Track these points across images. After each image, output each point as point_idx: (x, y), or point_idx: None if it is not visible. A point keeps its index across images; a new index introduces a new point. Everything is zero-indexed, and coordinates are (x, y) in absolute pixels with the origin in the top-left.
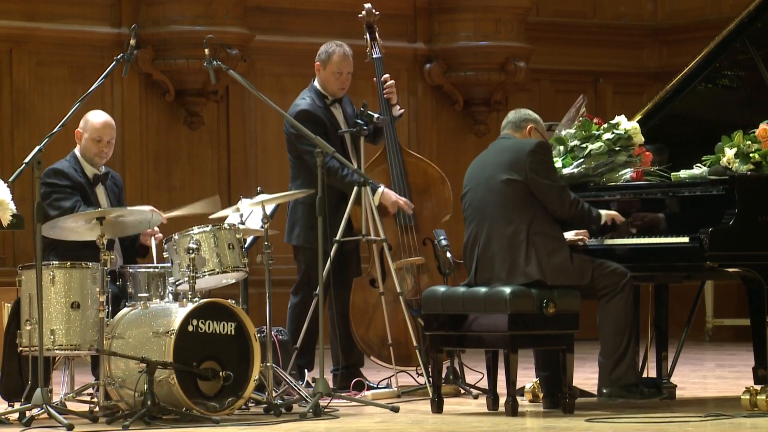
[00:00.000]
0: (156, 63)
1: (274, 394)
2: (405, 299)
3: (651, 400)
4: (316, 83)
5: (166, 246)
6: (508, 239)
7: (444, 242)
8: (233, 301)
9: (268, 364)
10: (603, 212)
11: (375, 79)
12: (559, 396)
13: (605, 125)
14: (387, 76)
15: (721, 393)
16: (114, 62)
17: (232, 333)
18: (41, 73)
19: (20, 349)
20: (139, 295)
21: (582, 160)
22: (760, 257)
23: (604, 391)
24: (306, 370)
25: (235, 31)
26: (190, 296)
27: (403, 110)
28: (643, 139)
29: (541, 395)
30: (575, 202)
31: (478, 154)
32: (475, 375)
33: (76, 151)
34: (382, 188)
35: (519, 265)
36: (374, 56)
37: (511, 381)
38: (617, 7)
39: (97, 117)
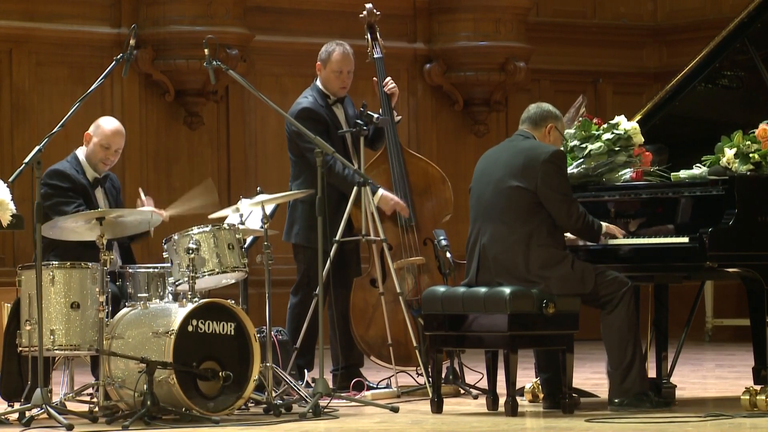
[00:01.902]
0: (156, 63)
1: (273, 395)
2: (405, 299)
3: (661, 408)
4: (318, 83)
5: (165, 246)
6: (510, 246)
7: (444, 242)
8: (233, 301)
9: (268, 364)
10: (603, 224)
11: (375, 79)
12: (559, 396)
13: (605, 125)
14: (389, 79)
15: (721, 393)
16: (114, 62)
17: (232, 333)
18: (41, 73)
19: (20, 349)
20: (139, 295)
21: (582, 160)
22: (760, 257)
23: (616, 401)
24: (306, 370)
25: (235, 31)
26: (189, 296)
27: (400, 117)
28: (642, 140)
29: (541, 395)
30: (582, 216)
31: (478, 154)
32: (475, 375)
33: (78, 152)
34: (381, 191)
35: (518, 274)
36: (375, 56)
37: (510, 381)
38: (617, 7)
39: (109, 124)
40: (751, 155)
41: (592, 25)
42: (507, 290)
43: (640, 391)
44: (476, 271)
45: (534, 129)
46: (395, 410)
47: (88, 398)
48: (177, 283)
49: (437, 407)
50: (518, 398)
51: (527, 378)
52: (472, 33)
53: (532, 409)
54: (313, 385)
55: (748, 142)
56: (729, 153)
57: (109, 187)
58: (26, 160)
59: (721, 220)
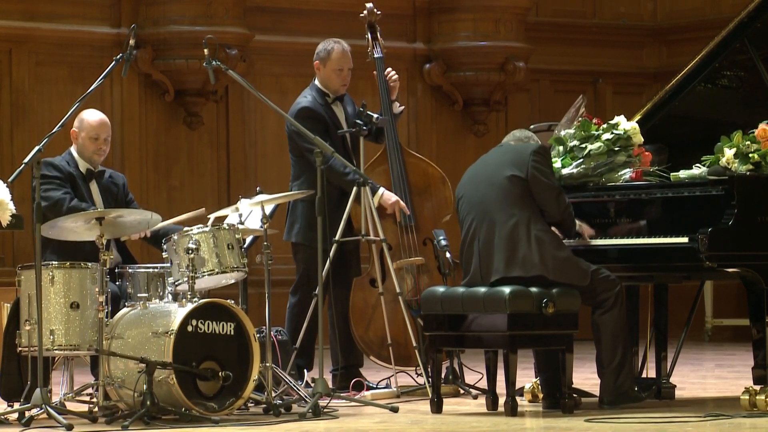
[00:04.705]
0: (155, 63)
1: (273, 395)
2: (405, 299)
3: (647, 399)
4: (316, 82)
5: (165, 246)
6: (509, 232)
7: (443, 242)
8: (232, 301)
9: (268, 365)
10: (577, 222)
11: (377, 77)
12: (558, 396)
13: (605, 125)
14: (390, 69)
15: (721, 393)
16: (113, 62)
17: (232, 333)
18: (41, 73)
19: (20, 349)
20: (139, 295)
21: (581, 160)
22: (760, 257)
23: (606, 399)
24: (305, 370)
25: (235, 31)
26: (189, 296)
27: (403, 107)
28: (642, 140)
29: (540, 395)
30: (568, 207)
31: (477, 154)
32: (475, 375)
33: (72, 149)
34: (381, 190)
35: (518, 257)
36: (376, 56)
37: (510, 381)
38: (617, 7)
39: (92, 116)
40: (750, 155)
41: (592, 25)
42: (506, 290)
43: (630, 389)
44: (479, 266)
45: (516, 144)
46: (395, 410)
47: (87, 398)
48: (177, 283)
49: (437, 407)
50: (518, 398)
51: (527, 378)
52: (472, 33)
53: (532, 409)
54: (312, 385)
55: (748, 142)
56: (728, 153)
57: (107, 183)
58: (26, 160)
59: (721, 220)
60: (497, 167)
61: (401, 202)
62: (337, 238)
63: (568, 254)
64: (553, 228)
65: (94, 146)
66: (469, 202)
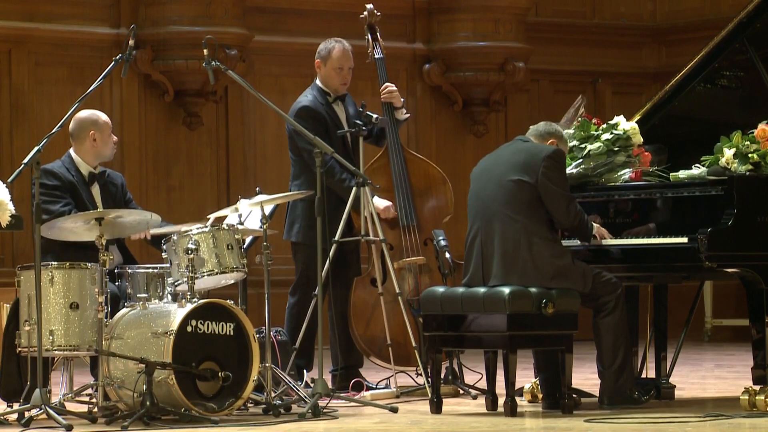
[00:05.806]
0: (155, 63)
1: (273, 395)
2: (406, 299)
3: (647, 402)
4: (317, 81)
5: (165, 246)
6: (510, 238)
7: (443, 243)
8: (232, 302)
9: (267, 365)
10: (594, 225)
11: (378, 78)
12: (558, 396)
13: (604, 125)
14: (386, 84)
15: (720, 393)
16: (113, 62)
17: (231, 333)
18: (40, 74)
19: (19, 349)
20: (138, 295)
21: (581, 160)
22: (759, 257)
23: (606, 400)
24: (305, 371)
25: (234, 32)
26: (188, 297)
27: (408, 115)
28: (642, 140)
29: (540, 395)
30: (580, 214)
31: (477, 154)
32: (474, 375)
33: (72, 152)
34: (374, 198)
35: (517, 265)
36: (376, 57)
37: (510, 381)
38: (617, 7)
39: (102, 115)
40: (750, 155)
41: (591, 25)
42: (506, 290)
43: (631, 390)
44: (481, 266)
45: (537, 140)
46: (394, 410)
47: (87, 399)
48: (176, 283)
49: (436, 407)
50: (517, 398)
51: (526, 378)
52: (472, 33)
53: (532, 409)
54: (312, 385)
55: (747, 142)
56: (728, 153)
57: (106, 183)
58: (25, 160)
59: (720, 220)
60: (508, 168)
61: (392, 209)
62: (337, 238)
63: (568, 261)
64: (564, 232)
65: (112, 141)
66: (477, 198)
